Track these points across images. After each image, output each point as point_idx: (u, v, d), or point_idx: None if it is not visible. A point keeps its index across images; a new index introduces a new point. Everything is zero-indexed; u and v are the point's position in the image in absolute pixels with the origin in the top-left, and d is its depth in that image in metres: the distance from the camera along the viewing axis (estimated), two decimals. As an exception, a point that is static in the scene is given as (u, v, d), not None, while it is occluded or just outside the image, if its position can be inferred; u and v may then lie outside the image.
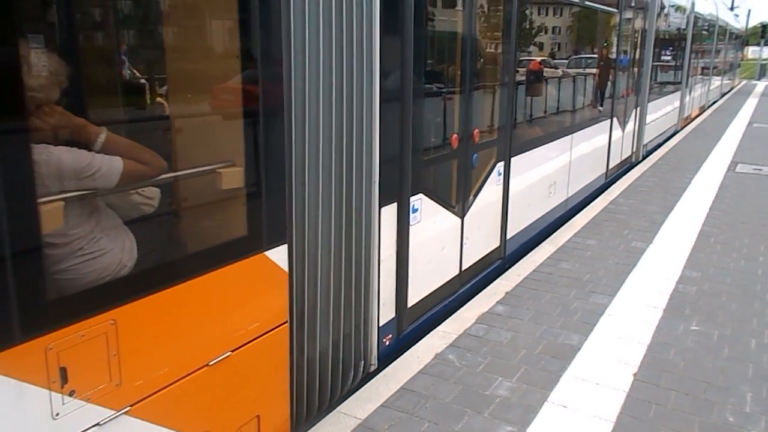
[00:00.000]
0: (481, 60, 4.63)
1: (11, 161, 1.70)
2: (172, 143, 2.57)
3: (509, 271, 5.19)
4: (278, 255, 2.66)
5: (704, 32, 16.38)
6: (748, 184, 8.66)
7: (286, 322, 2.77)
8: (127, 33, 2.96)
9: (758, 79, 38.57)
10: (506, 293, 4.68)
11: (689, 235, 6.16)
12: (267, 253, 2.60)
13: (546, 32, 6.18)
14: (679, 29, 12.94)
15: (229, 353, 2.48)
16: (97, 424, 2.01)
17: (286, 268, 2.72)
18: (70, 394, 1.92)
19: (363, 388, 3.39)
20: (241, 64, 2.50)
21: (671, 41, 12.34)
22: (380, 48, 3.08)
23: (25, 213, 1.74)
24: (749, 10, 46.92)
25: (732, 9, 35.97)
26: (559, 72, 6.69)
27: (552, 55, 6.52)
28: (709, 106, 20.12)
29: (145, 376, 2.15)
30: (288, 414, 2.91)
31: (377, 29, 3.04)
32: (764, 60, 42.88)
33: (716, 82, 21.83)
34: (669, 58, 12.40)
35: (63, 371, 1.87)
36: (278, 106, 2.56)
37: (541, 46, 6.18)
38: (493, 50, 4.86)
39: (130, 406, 2.10)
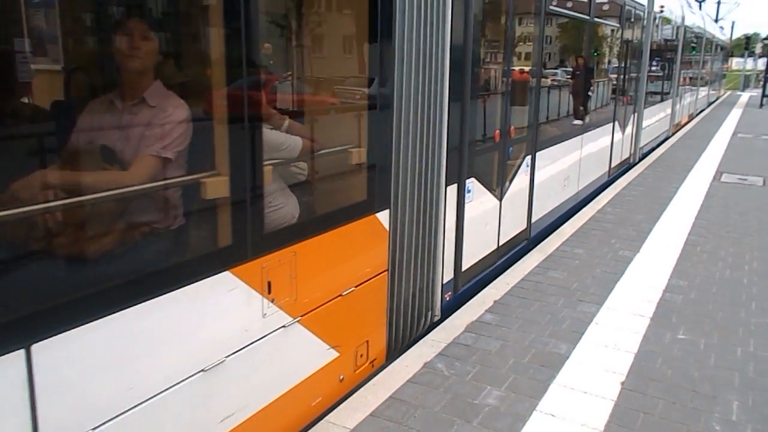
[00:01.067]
0: (515, 71, 5.53)
1: (254, 141, 2.60)
2: (318, 129, 3.50)
3: (499, 279, 5.20)
4: (384, 217, 3.55)
5: (692, 44, 17.21)
6: (733, 193, 8.76)
7: (386, 270, 3.66)
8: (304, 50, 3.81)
9: (742, 90, 39.09)
10: (495, 302, 4.69)
11: (676, 244, 6.21)
12: (377, 214, 3.51)
13: (563, 46, 7.36)
14: (670, 42, 13.72)
15: (353, 288, 3.38)
16: (283, 327, 2.87)
17: (388, 228, 3.60)
18: (272, 302, 2.77)
19: (351, 397, 3.37)
20: (369, 74, 3.49)
21: (663, 53, 13.12)
22: (449, 64, 3.96)
23: (258, 174, 2.63)
24: (733, 22, 47.75)
25: (717, 21, 36.53)
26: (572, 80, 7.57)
27: (566, 66, 7.51)
28: (697, 115, 20.97)
29: (309, 296, 3.02)
30: (384, 344, 3.78)
31: (447, 51, 3.93)
32: (748, 71, 43.50)
33: (703, 91, 22.72)
34: (661, 68, 13.13)
35: (269, 284, 2.74)
36: (389, 105, 3.43)
37: (560, 60, 7.30)
38: (523, 63, 5.88)
39: (301, 316, 2.98)
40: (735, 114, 21.76)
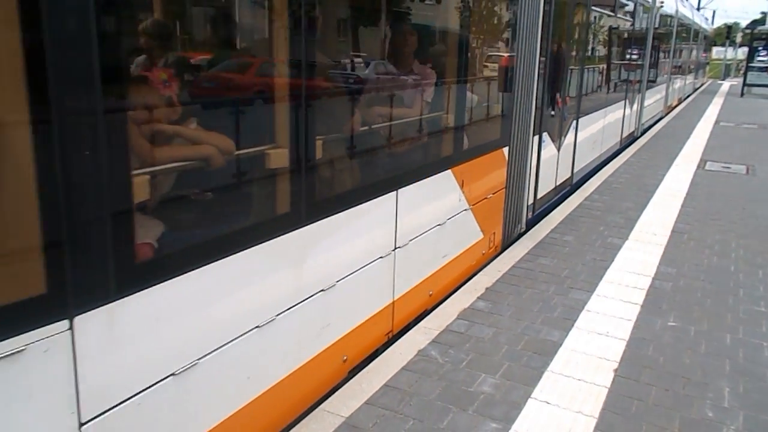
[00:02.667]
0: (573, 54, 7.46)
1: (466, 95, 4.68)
2: (480, 89, 5.19)
3: (490, 265, 5.20)
4: (506, 151, 5.39)
5: (683, 34, 18.78)
6: (718, 181, 8.84)
7: (504, 188, 5.50)
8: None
9: (723, 79, 39.51)
10: (486, 289, 4.68)
11: (663, 232, 6.25)
12: (503, 149, 5.35)
13: (596, 40, 9.00)
14: (666, 32, 15.42)
15: (491, 195, 5.21)
16: (465, 209, 4.68)
17: (507, 159, 5.42)
18: (462, 192, 4.54)
19: (346, 385, 3.34)
20: (509, 51, 5.31)
21: (660, 42, 14.51)
22: (538, 56, 5.73)
23: (466, 117, 4.73)
24: (714, 11, 48.11)
25: (698, 10, 36.76)
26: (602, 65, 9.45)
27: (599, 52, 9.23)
28: (685, 98, 22.81)
29: (474, 194, 4.79)
30: (500, 237, 5.62)
31: (538, 50, 5.71)
32: (729, 60, 43.96)
33: (690, 78, 24.72)
34: (659, 56, 14.75)
35: (462, 181, 4.51)
36: (512, 77, 5.22)
37: (594, 49, 8.82)
38: (575, 49, 7.62)
39: (471, 205, 4.78)
40: (717, 102, 21.97)
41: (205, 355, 2.40)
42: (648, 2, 11.60)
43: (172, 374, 2.25)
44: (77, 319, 1.88)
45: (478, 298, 4.52)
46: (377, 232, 3.57)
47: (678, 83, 19.98)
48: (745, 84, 25.73)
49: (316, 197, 3.01)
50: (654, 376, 3.52)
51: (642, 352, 3.79)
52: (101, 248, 1.92)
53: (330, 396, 3.24)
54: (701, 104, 21.55)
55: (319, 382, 3.22)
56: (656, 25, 13.01)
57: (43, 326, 1.78)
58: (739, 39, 48.66)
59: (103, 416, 2.00)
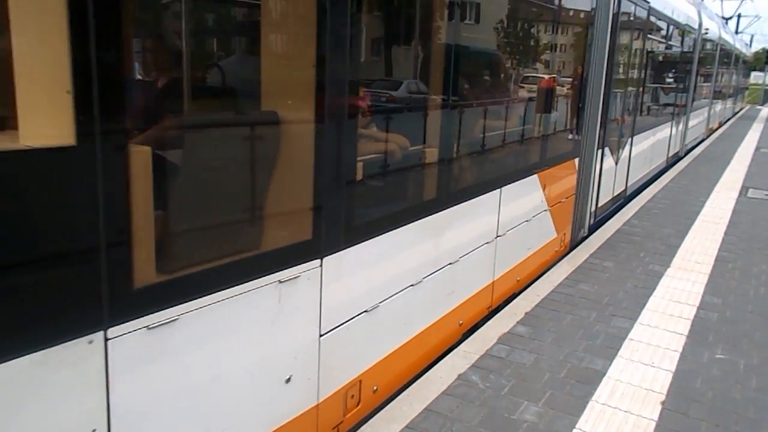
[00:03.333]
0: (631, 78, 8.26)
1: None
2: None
3: (528, 290, 5.13)
4: (576, 162, 6.12)
5: (725, 59, 19.58)
6: (761, 209, 8.62)
7: (574, 194, 6.24)
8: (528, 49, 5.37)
9: (762, 104, 38.72)
10: (526, 314, 4.61)
11: (706, 260, 6.10)
12: (575, 160, 6.11)
13: (656, 64, 9.92)
14: (709, 57, 16.02)
15: (564, 200, 5.94)
16: (545, 209, 5.45)
17: (576, 168, 6.16)
18: (544, 194, 5.38)
19: (386, 408, 3.31)
20: (577, 68, 6.13)
21: (703, 67, 15.17)
22: (604, 75, 6.45)
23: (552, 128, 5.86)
24: (752, 36, 47.31)
25: (737, 33, 36.19)
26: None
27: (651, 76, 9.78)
28: (725, 122, 23.32)
29: (552, 196, 5.55)
30: (569, 239, 6.34)
31: (605, 65, 6.40)
32: (768, 85, 43.14)
33: (730, 102, 25.30)
34: (702, 80, 15.37)
35: (544, 185, 5.33)
36: (584, 97, 6.05)
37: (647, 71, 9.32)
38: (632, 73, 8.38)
39: (549, 207, 5.52)
40: (756, 128, 21.51)
41: (385, 300, 3.30)
42: (694, 29, 12.25)
43: (365, 311, 3.13)
44: (325, 260, 2.72)
45: (517, 322, 4.45)
46: (486, 220, 4.43)
47: (719, 107, 20.65)
48: (786, 109, 25.15)
49: (452, 188, 3.91)
50: (703, 410, 3.41)
51: (690, 385, 3.68)
52: (338, 214, 2.80)
53: (373, 416, 3.21)
54: (740, 130, 21.12)
55: (443, 339, 4.04)
56: (700, 51, 13.55)
57: (309, 261, 2.63)
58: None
59: (331, 331, 2.86)
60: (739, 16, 43.46)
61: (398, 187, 3.56)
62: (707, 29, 13.47)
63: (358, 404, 3.16)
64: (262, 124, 2.58)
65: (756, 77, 48.26)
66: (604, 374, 3.75)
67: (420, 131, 3.66)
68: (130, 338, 1.90)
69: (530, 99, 5.25)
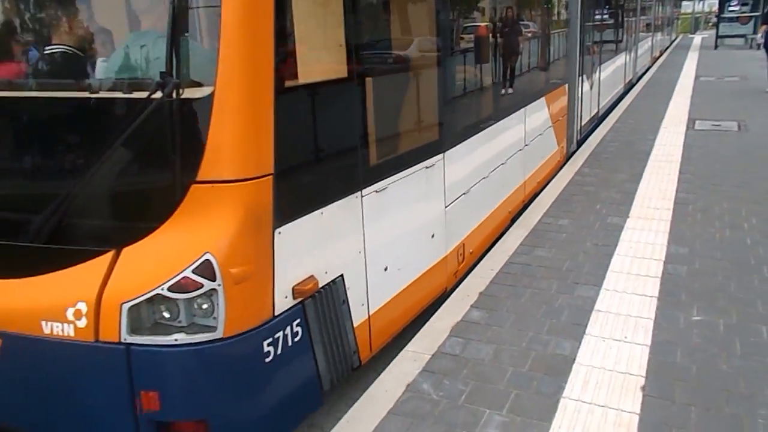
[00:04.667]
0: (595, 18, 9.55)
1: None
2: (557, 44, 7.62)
3: (480, 264, 4.59)
4: (567, 87, 7.47)
5: None
6: (711, 141, 8.31)
7: (566, 114, 7.51)
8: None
9: (693, 33, 39.12)
10: (480, 294, 4.08)
11: (665, 205, 5.70)
12: (565, 85, 7.45)
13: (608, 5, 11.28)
14: None
15: (560, 119, 7.25)
16: (550, 126, 6.87)
17: (567, 93, 7.50)
18: (548, 116, 6.81)
19: (323, 442, 2.74)
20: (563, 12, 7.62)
21: (645, 1, 17.08)
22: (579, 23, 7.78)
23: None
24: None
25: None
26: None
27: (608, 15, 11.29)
28: (665, 50, 25.04)
29: (553, 116, 6.94)
30: (566, 150, 7.70)
31: (579, 10, 7.73)
32: (698, 13, 43.58)
33: (668, 31, 27.25)
34: (644, 14, 17.37)
35: (549, 105, 6.79)
36: (569, 33, 7.58)
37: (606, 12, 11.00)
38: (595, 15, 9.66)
39: (552, 124, 6.92)
40: (692, 57, 21.48)
41: (479, 180, 4.66)
42: None
43: (464, 193, 4.37)
44: (446, 153, 3.97)
45: (471, 306, 3.91)
46: (518, 132, 5.71)
47: (659, 37, 22.65)
48: (717, 36, 25.32)
49: (502, 105, 5.34)
50: (689, 391, 2.95)
51: (670, 360, 3.22)
52: (453, 121, 4.14)
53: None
54: (677, 59, 21.07)
55: (502, 220, 5.36)
56: None
57: (437, 155, 3.85)
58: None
59: (450, 204, 4.10)
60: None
61: (476, 105, 4.95)
62: None
63: (462, 261, 4.40)
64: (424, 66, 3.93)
65: (686, 6, 48.71)
66: (574, 360, 3.26)
67: (487, 68, 4.98)
68: (370, 197, 3.16)
69: (535, 38, 6.46)
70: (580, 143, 8.38)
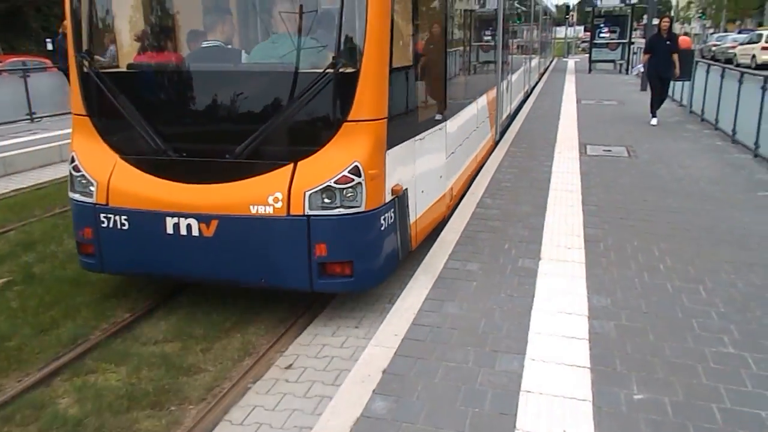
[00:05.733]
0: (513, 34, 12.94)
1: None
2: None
3: (383, 328, 3.80)
4: (495, 89, 9.87)
5: (544, 17, 24.39)
6: (605, 168, 8.16)
7: (495, 110, 9.77)
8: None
9: (566, 57, 41.49)
10: (384, 373, 3.28)
11: (576, 243, 5.25)
12: (494, 87, 9.94)
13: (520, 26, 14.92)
14: (540, 17, 21.34)
15: (491, 113, 9.37)
16: (487, 116, 9.10)
17: (495, 93, 9.90)
18: (487, 109, 9.10)
19: None
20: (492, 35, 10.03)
21: (538, 24, 20.80)
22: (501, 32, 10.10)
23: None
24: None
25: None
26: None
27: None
28: (547, 68, 28.07)
29: (489, 110, 9.17)
30: (495, 138, 9.98)
31: (500, 30, 10.02)
32: (570, 39, 46.41)
33: (547, 52, 30.20)
34: (539, 34, 21.95)
35: (488, 103, 9.14)
36: (494, 47, 9.86)
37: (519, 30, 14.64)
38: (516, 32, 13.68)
39: (488, 115, 9.17)
40: (570, 80, 22.39)
41: (459, 144, 6.60)
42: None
43: (452, 152, 6.06)
44: (448, 121, 5.76)
45: (374, 392, 3.11)
46: (475, 117, 7.66)
47: (544, 56, 26.69)
48: (591, 61, 26.74)
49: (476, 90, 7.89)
50: None
51: (621, 464, 2.59)
52: (452, 99, 6.03)
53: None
54: (557, 81, 21.84)
55: (467, 179, 7.26)
56: (537, 14, 19.22)
57: (445, 121, 5.68)
58: (574, 19, 51.67)
59: (449, 157, 5.84)
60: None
61: (461, 93, 6.74)
62: None
63: (452, 198, 6.07)
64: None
65: (557, 31, 51.83)
66: (509, 472, 2.54)
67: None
68: (419, 141, 4.80)
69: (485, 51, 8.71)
70: (501, 134, 10.53)
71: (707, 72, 12.03)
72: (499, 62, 9.83)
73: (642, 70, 12.21)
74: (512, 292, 4.30)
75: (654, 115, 11.78)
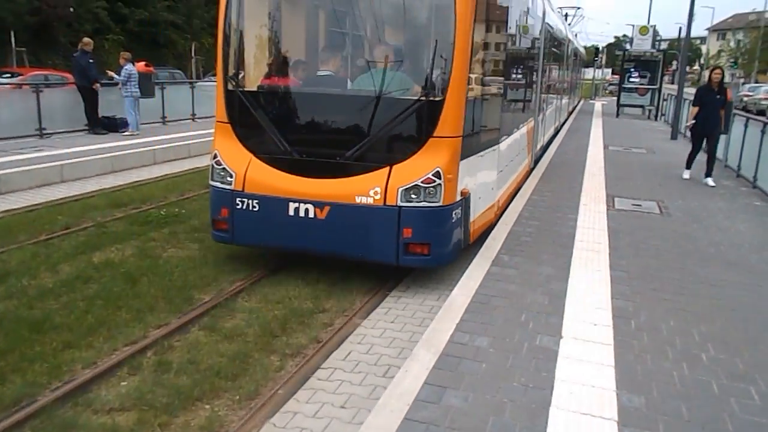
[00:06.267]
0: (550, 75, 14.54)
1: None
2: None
3: (370, 420, 3.17)
4: (532, 121, 10.95)
5: (574, 58, 24.83)
6: (635, 226, 7.50)
7: (531, 140, 11.13)
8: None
9: (593, 98, 40.96)
10: (364, 489, 2.65)
11: (603, 318, 4.59)
12: (532, 119, 10.98)
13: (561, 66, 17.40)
14: (574, 58, 23.54)
15: (528, 142, 10.70)
16: (525, 145, 10.34)
17: (533, 125, 11.17)
18: (527, 138, 10.55)
19: None
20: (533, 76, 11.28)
21: (574, 64, 23.23)
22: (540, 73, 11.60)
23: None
24: (576, 34, 50.20)
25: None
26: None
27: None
28: (574, 108, 28.53)
29: (528, 140, 10.55)
30: (532, 163, 11.45)
31: (540, 68, 11.56)
32: (598, 81, 45.92)
33: (576, 93, 30.87)
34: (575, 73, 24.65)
35: (528, 133, 10.58)
36: (534, 87, 11.03)
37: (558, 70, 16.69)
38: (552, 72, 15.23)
39: (527, 144, 10.54)
40: (597, 124, 21.78)
41: (507, 164, 8.08)
42: (569, 37, 19.04)
43: (501, 170, 7.51)
44: (500, 143, 7.25)
45: None
46: (518, 144, 9.05)
47: (574, 93, 27.80)
48: (618, 105, 26.15)
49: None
50: None
51: None
52: (503, 127, 7.52)
53: None
54: (583, 124, 21.24)
55: (511, 194, 8.55)
56: (569, 53, 19.72)
57: (499, 143, 7.24)
58: (603, 61, 51.36)
59: (499, 173, 7.28)
60: (565, 15, 45.92)
61: (509, 116, 8.04)
62: (576, 35, 21.45)
63: (499, 208, 7.42)
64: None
65: (587, 73, 51.40)
66: None
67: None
68: (479, 157, 6.17)
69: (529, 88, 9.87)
70: (536, 162, 11.67)
71: (746, 125, 11.36)
72: (537, 99, 11.09)
73: (690, 124, 10.76)
74: (528, 380, 3.64)
75: (688, 167, 11.05)
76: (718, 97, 10.20)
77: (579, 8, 31.21)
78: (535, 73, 10.49)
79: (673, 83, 34.20)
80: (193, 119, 17.39)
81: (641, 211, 8.35)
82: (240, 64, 6.06)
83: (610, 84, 58.00)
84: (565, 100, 20.61)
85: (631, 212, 8.24)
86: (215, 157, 5.85)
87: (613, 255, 6.20)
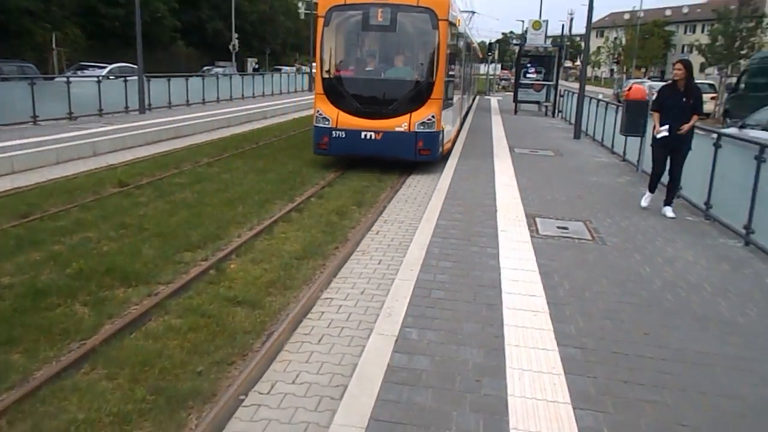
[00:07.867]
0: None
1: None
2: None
3: None
4: (461, 99, 19.49)
5: (474, 53, 26.24)
6: (569, 261, 5.98)
7: (460, 110, 20.61)
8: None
9: (488, 94, 40.72)
10: None
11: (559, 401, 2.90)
12: (460, 97, 19.39)
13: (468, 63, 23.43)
14: (474, 55, 26.11)
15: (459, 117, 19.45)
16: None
17: (461, 102, 20.75)
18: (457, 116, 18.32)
19: None
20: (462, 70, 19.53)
21: (472, 61, 25.43)
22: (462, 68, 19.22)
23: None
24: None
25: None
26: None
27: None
28: (473, 100, 30.47)
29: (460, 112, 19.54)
30: (455, 137, 17.60)
31: (463, 64, 20.22)
32: (491, 76, 45.92)
33: (475, 87, 31.45)
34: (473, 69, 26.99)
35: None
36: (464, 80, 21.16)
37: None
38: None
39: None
40: (497, 122, 20.79)
41: (454, 116, 15.93)
42: (472, 39, 24.00)
43: (457, 115, 17.50)
44: (456, 98, 16.78)
45: None
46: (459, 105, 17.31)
47: (474, 86, 29.83)
48: (516, 101, 25.49)
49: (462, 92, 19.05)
50: None
51: None
52: (460, 90, 17.64)
53: None
54: (484, 122, 20.17)
55: (452, 140, 15.28)
56: (474, 52, 24.91)
57: (458, 97, 17.90)
58: (496, 56, 51.69)
59: (451, 119, 14.54)
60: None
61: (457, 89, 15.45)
62: (472, 39, 24.55)
63: (449, 141, 14.00)
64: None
65: (480, 68, 51.43)
66: None
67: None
68: (451, 106, 14.03)
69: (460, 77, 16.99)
70: (461, 126, 17.53)
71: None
72: (462, 83, 17.79)
73: (665, 132, 7.71)
74: None
75: (651, 191, 8.48)
76: (685, 99, 7.71)
77: (474, 12, 37.91)
78: (461, 67, 17.17)
79: (565, 79, 34.48)
80: (34, 122, 14.39)
81: (570, 237, 6.88)
82: (329, 63, 12.06)
83: (502, 79, 58.84)
84: (472, 87, 27.33)
85: (559, 239, 6.75)
86: (318, 111, 11.78)
87: (555, 316, 4.59)
